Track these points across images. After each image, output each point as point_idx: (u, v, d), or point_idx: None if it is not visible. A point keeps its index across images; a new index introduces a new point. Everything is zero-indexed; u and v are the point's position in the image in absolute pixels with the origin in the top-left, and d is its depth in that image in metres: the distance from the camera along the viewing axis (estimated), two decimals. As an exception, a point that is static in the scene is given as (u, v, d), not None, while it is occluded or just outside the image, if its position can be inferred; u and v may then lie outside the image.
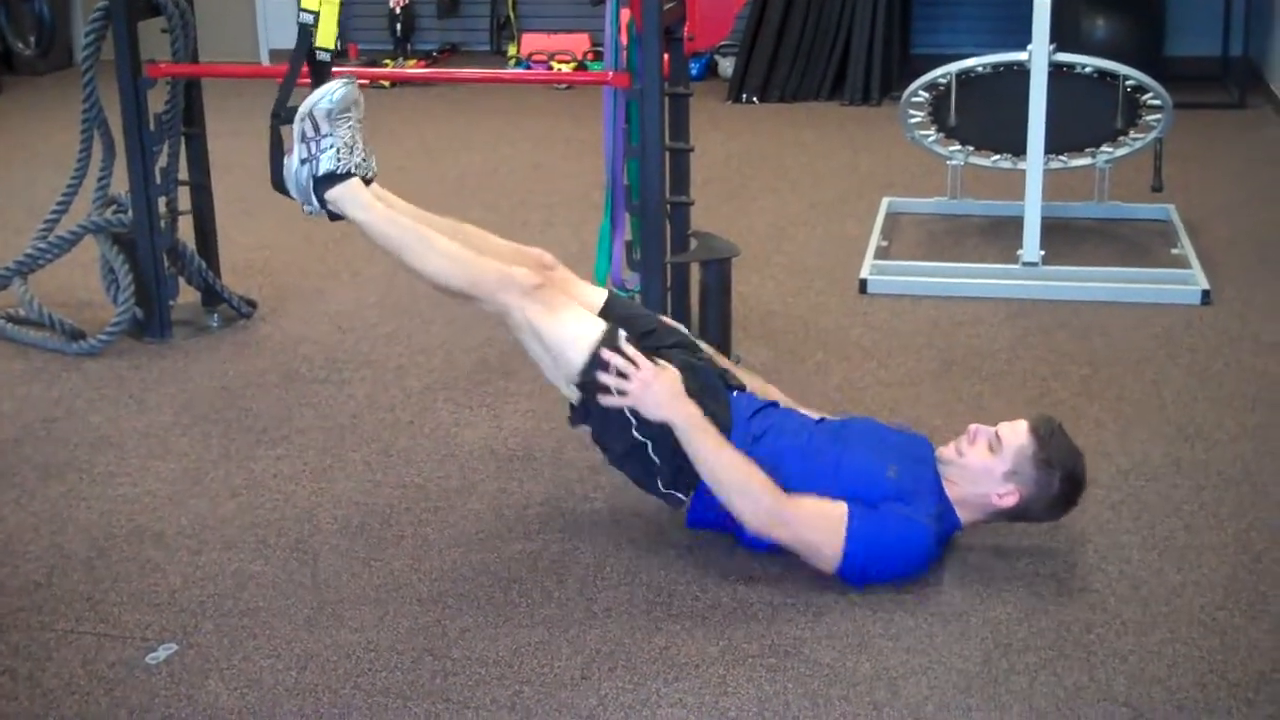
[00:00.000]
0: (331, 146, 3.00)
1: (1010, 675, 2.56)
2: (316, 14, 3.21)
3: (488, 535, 3.10)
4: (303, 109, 3.01)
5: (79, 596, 2.87)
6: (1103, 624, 2.72)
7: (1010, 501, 2.88)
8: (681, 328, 3.26)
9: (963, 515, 2.92)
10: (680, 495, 2.94)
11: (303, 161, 3.02)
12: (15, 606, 2.84)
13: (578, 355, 2.92)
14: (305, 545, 3.07)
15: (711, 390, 2.99)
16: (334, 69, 3.24)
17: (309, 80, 3.23)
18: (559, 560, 2.98)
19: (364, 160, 3.07)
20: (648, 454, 2.91)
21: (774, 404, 3.12)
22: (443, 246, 3.02)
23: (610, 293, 3.23)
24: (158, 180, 4.21)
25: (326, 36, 3.29)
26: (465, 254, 3.02)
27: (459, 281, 3.00)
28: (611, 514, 3.18)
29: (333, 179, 3.01)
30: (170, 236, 4.30)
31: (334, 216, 3.10)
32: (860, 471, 2.88)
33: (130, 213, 4.21)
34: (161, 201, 4.26)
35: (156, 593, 2.88)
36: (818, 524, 2.79)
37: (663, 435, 2.88)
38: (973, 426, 2.95)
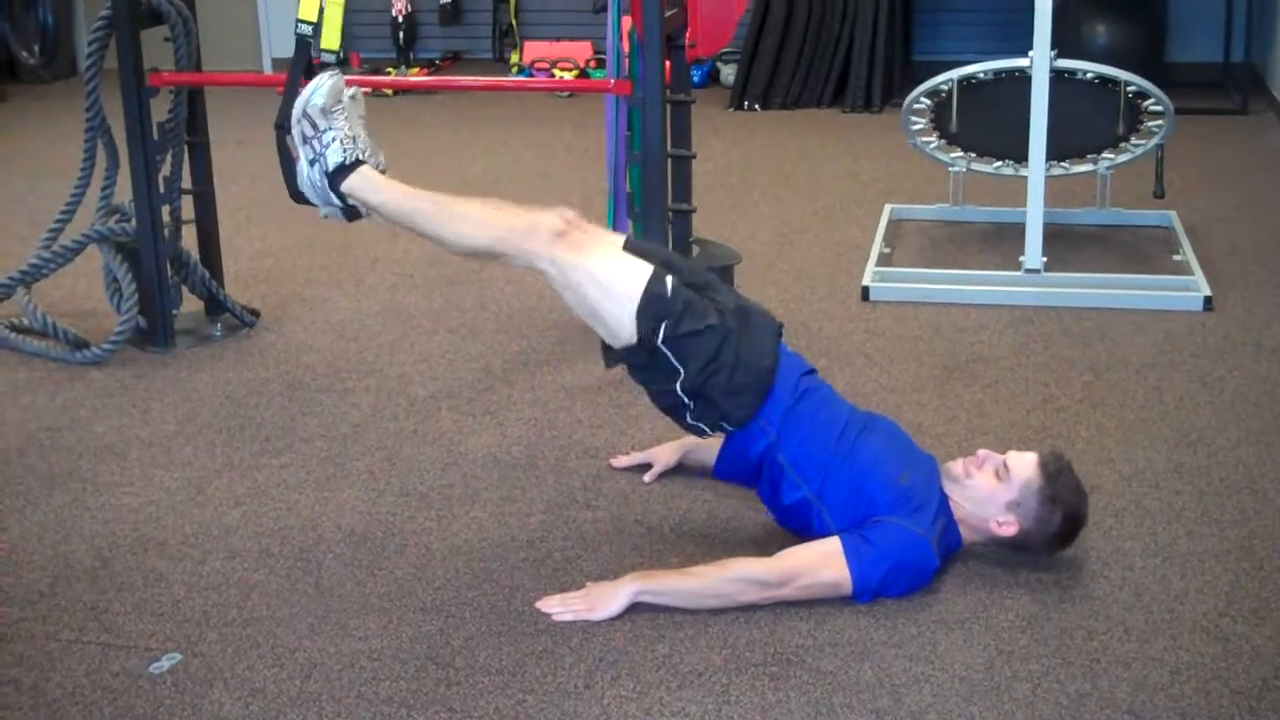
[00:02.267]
0: (334, 140, 2.99)
1: (1013, 683, 2.56)
2: (315, 25, 3.22)
3: (491, 544, 3.10)
4: (295, 111, 3.01)
5: (83, 606, 2.87)
6: (1105, 631, 2.72)
7: (1010, 531, 2.88)
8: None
9: (963, 534, 2.93)
10: (705, 429, 3.00)
11: (311, 162, 3.02)
12: (19, 616, 2.84)
13: (627, 299, 2.86)
14: (309, 554, 3.07)
15: (766, 334, 2.99)
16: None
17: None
18: (562, 568, 2.98)
19: (371, 152, 3.07)
20: (684, 403, 2.94)
21: (814, 371, 3.12)
22: (462, 208, 2.99)
23: (638, 241, 3.14)
24: (161, 189, 4.22)
25: (331, 38, 3.30)
26: (486, 210, 2.98)
27: (484, 238, 2.95)
28: (615, 522, 3.18)
29: (344, 170, 3.00)
30: (173, 245, 4.31)
31: (351, 215, 3.08)
32: (878, 467, 2.90)
33: (134, 222, 4.22)
34: (165, 210, 4.27)
35: (160, 602, 2.88)
36: (817, 567, 2.79)
37: (705, 395, 2.90)
38: (981, 451, 2.95)
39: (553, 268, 2.89)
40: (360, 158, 3.01)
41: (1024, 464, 2.90)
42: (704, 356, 2.88)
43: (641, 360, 2.92)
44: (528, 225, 2.90)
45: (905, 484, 2.88)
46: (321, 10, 3.34)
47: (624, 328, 2.88)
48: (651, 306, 2.86)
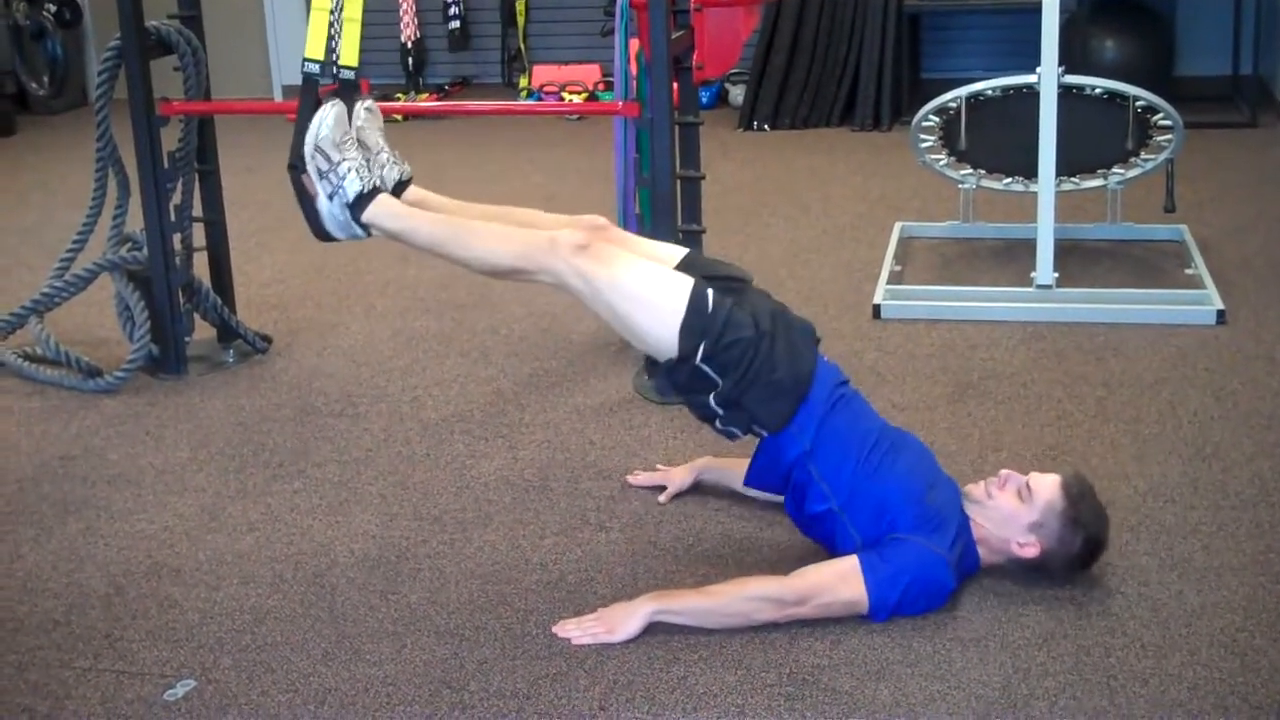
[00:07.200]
0: (350, 170, 2.97)
1: (1030, 701, 2.55)
2: (321, 63, 3.19)
3: (504, 567, 3.10)
4: (307, 147, 2.99)
5: (97, 634, 2.87)
6: (1122, 647, 2.71)
7: (1031, 553, 2.87)
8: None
9: (982, 555, 2.92)
10: (737, 432, 2.98)
11: (330, 196, 3.00)
12: (34, 645, 2.84)
13: (670, 314, 2.83)
14: (322, 579, 3.07)
15: (804, 340, 3.01)
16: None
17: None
18: (576, 591, 2.98)
19: (392, 164, 3.06)
20: (716, 413, 2.93)
21: (848, 381, 3.11)
22: (483, 230, 2.99)
23: (689, 250, 3.12)
24: (172, 217, 4.24)
25: (349, 54, 3.26)
26: (507, 230, 2.98)
27: (506, 259, 2.95)
28: (628, 544, 3.17)
29: (364, 199, 2.98)
30: (185, 273, 4.32)
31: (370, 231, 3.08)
32: (905, 485, 2.89)
33: (145, 250, 4.23)
34: (176, 238, 4.28)
35: (174, 629, 2.88)
36: (835, 586, 2.78)
37: (739, 404, 2.88)
38: (1004, 471, 2.95)
39: (581, 284, 2.88)
40: (378, 185, 2.99)
41: (1046, 486, 2.89)
42: (741, 368, 2.87)
43: (681, 376, 2.92)
44: (548, 241, 2.89)
45: (930, 503, 2.87)
46: (336, 28, 3.31)
47: (664, 342, 2.88)
48: (695, 323, 2.85)
